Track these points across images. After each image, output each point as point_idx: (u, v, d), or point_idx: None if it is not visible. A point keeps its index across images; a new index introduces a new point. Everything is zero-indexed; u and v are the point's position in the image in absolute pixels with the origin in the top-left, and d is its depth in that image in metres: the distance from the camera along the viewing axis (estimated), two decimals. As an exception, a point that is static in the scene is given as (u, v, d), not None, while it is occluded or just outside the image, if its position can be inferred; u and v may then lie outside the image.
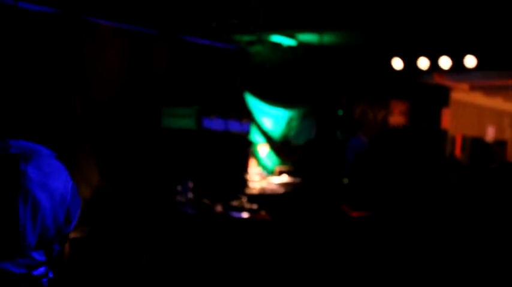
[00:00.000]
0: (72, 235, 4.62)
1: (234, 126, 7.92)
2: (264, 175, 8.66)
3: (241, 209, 6.86)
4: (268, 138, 9.46)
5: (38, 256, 1.58)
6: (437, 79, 10.79)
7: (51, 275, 1.87)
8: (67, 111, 6.62)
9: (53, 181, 1.61)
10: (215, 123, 7.73)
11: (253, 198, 7.35)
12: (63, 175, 1.67)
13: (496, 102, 13.32)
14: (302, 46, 9.58)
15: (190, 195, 6.90)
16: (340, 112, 10.53)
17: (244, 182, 7.95)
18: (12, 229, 1.50)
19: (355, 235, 7.40)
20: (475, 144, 11.35)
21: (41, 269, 1.75)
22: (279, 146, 9.53)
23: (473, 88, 11.91)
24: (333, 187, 8.58)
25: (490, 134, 12.89)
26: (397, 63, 10.23)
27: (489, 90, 12.37)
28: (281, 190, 8.00)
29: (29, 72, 6.49)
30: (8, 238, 1.51)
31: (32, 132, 5.84)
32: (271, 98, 9.58)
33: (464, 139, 11.73)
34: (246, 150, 8.29)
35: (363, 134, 8.42)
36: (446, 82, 11.15)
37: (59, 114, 6.47)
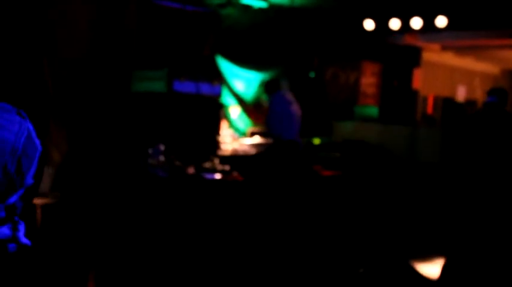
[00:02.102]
0: (44, 201, 4.56)
1: (205, 88, 7.88)
2: (236, 136, 8.68)
3: (214, 170, 6.88)
4: (240, 101, 9.46)
5: None
6: (409, 40, 10.82)
7: (25, 241, 1.87)
8: (35, 74, 6.55)
9: (3, 131, 1.66)
10: (186, 86, 7.69)
11: (225, 159, 7.36)
12: (15, 127, 1.70)
13: (467, 63, 13.40)
14: (273, 8, 9.53)
15: (161, 158, 6.89)
16: (312, 74, 10.54)
17: (216, 144, 7.95)
18: None
19: (326, 193, 7.45)
20: (447, 104, 11.45)
21: (5, 231, 1.76)
22: (250, 108, 9.53)
23: (444, 48, 11.96)
24: (305, 147, 8.63)
25: (461, 94, 13.00)
26: (369, 25, 10.24)
27: (460, 51, 12.44)
28: (253, 151, 8.02)
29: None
30: None
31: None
32: (243, 60, 9.55)
33: (436, 99, 11.82)
34: (218, 112, 8.27)
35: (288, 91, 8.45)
36: (418, 43, 11.18)
37: (27, 77, 6.40)
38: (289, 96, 8.33)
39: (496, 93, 5.85)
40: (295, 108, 8.23)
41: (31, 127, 1.79)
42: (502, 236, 5.80)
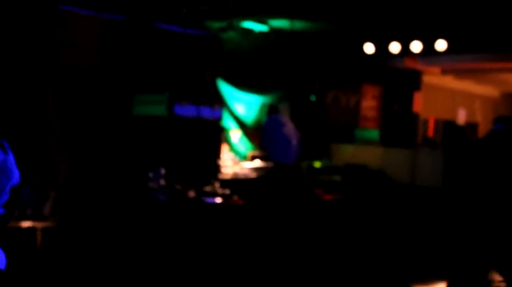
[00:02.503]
0: (44, 224, 4.56)
1: (205, 112, 7.90)
2: (237, 160, 8.67)
3: (214, 194, 6.87)
4: (241, 124, 9.46)
5: None
6: (409, 63, 10.86)
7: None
8: (37, 97, 6.57)
9: None
10: (187, 110, 7.71)
11: (225, 183, 7.36)
12: None
13: (467, 86, 13.42)
14: (274, 32, 9.57)
15: (162, 181, 6.89)
16: (313, 97, 10.56)
17: (216, 168, 7.95)
18: None
19: (327, 217, 7.44)
20: (447, 127, 11.45)
21: None
22: (251, 132, 9.53)
23: (444, 72, 11.99)
24: (305, 170, 8.62)
25: (462, 116, 13.00)
26: (369, 48, 10.28)
27: (460, 74, 12.46)
28: (254, 175, 8.02)
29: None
30: None
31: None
32: (244, 84, 9.57)
33: (437, 122, 11.82)
34: (218, 136, 8.28)
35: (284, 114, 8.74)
36: (418, 66, 11.22)
37: (29, 99, 6.42)
38: (284, 118, 8.46)
39: (503, 121, 5.79)
40: (289, 130, 8.35)
41: (10, 158, 1.84)
42: (504, 263, 5.78)
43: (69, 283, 5.57)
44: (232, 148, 9.06)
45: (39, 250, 5.50)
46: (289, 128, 8.64)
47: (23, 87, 6.49)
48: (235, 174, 8.05)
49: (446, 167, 8.81)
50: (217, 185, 7.16)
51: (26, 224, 5.37)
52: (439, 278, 6.47)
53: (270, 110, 8.44)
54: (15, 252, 2.67)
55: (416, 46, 9.89)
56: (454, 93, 13.25)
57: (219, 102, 8.43)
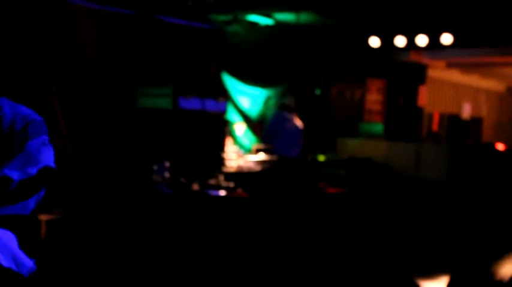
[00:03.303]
0: (48, 217, 4.60)
1: (210, 105, 7.91)
2: (241, 153, 8.68)
3: (218, 187, 6.88)
4: (246, 117, 9.47)
5: None
6: (414, 57, 10.85)
7: None
8: (41, 89, 6.59)
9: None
10: (191, 103, 7.72)
11: (230, 176, 7.37)
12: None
13: (473, 80, 13.40)
14: (279, 25, 9.57)
15: (166, 174, 6.90)
16: (318, 91, 10.56)
17: (220, 161, 7.96)
18: None
19: (331, 210, 7.45)
20: (452, 121, 11.44)
21: None
22: (256, 125, 9.54)
23: (449, 65, 11.98)
24: (310, 164, 8.64)
25: (467, 111, 12.98)
26: (374, 42, 10.27)
27: (465, 68, 12.45)
28: (258, 168, 8.02)
29: (5, 49, 6.43)
30: None
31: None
32: (249, 77, 9.57)
33: (442, 116, 11.81)
34: (223, 129, 8.29)
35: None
36: (423, 60, 11.21)
37: (33, 92, 6.44)
38: (290, 115, 8.61)
39: None
40: (293, 126, 8.50)
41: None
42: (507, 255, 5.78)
43: (74, 275, 5.59)
44: (236, 141, 9.07)
45: (44, 243, 5.52)
46: (293, 124, 8.77)
47: (27, 81, 6.53)
48: (240, 167, 8.06)
49: (452, 163, 8.82)
50: (221, 178, 7.18)
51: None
52: (442, 272, 6.48)
53: (280, 107, 8.91)
54: (21, 244, 2.69)
55: (421, 40, 9.88)
56: (459, 87, 13.23)
57: (224, 95, 8.44)
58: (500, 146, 9.50)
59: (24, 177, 2.04)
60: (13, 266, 1.94)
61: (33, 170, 2.05)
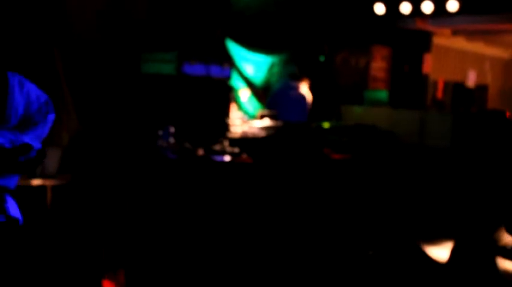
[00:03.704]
0: (53, 182, 4.61)
1: (215, 71, 7.89)
2: (246, 119, 8.68)
3: (223, 152, 6.88)
4: (250, 84, 9.46)
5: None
6: (419, 24, 10.77)
7: (14, 214, 2.02)
8: (46, 58, 6.56)
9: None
10: (196, 69, 7.70)
11: (234, 142, 7.36)
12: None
13: (478, 47, 13.31)
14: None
15: (171, 140, 6.90)
16: (322, 58, 10.51)
17: (225, 127, 7.95)
18: None
19: (336, 176, 7.46)
20: (457, 89, 11.39)
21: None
22: (260, 92, 9.53)
23: (455, 33, 11.89)
24: (314, 130, 8.63)
25: (471, 78, 12.91)
26: (379, 8, 10.20)
27: (471, 35, 12.36)
28: (263, 134, 8.02)
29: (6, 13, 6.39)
30: None
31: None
32: (253, 44, 9.53)
33: (446, 84, 11.75)
34: (227, 94, 8.27)
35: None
36: (428, 27, 11.12)
37: (38, 61, 6.41)
38: (295, 83, 8.65)
39: None
40: (297, 94, 8.56)
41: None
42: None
43: (79, 241, 5.62)
44: (241, 107, 9.07)
45: (49, 209, 5.54)
46: (299, 93, 8.81)
47: (32, 49, 6.49)
48: (244, 133, 8.05)
49: (457, 130, 8.80)
50: (226, 143, 7.17)
51: (35, 182, 5.39)
52: (447, 237, 6.50)
53: (290, 76, 9.13)
54: (26, 210, 2.69)
55: (427, 7, 9.80)
56: (464, 55, 13.15)
57: (228, 61, 8.41)
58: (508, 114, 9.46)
59: (38, 148, 2.31)
60: (20, 218, 2.19)
61: (40, 145, 2.34)
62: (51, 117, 2.43)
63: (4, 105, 2.25)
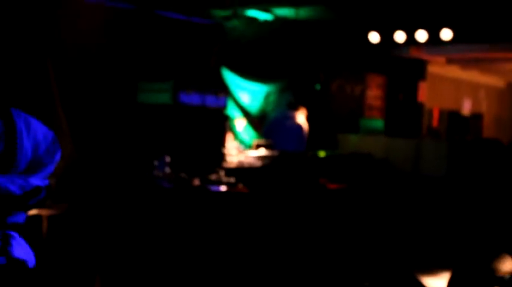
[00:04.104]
0: (49, 212, 4.59)
1: (210, 100, 7.91)
2: (242, 148, 8.68)
3: (219, 182, 6.87)
4: (246, 113, 9.47)
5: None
6: (414, 52, 10.84)
7: (18, 256, 2.00)
8: (42, 86, 6.57)
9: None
10: (192, 98, 7.71)
11: (230, 172, 7.35)
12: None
13: (472, 76, 13.39)
14: (278, 21, 9.55)
15: (167, 169, 6.89)
16: (318, 86, 10.54)
17: (221, 156, 7.95)
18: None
19: (332, 206, 7.44)
20: (452, 117, 11.44)
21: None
22: (256, 121, 9.54)
23: (449, 61, 11.97)
24: (310, 159, 8.63)
25: (467, 107, 12.98)
26: (374, 37, 10.25)
27: (465, 64, 12.43)
28: (258, 163, 8.01)
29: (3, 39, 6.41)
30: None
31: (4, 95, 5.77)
32: (248, 72, 9.56)
33: (441, 112, 11.81)
34: (223, 124, 8.28)
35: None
36: (423, 55, 11.20)
37: (33, 85, 6.41)
38: (290, 112, 8.73)
39: None
40: (293, 123, 8.64)
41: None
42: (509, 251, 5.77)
43: (75, 271, 5.58)
44: (237, 137, 9.07)
45: (45, 238, 5.51)
46: (294, 122, 8.87)
47: (27, 77, 6.49)
48: (240, 162, 8.05)
49: (452, 159, 8.81)
50: (222, 173, 7.16)
51: (31, 212, 5.37)
52: (443, 268, 6.47)
53: (287, 106, 9.26)
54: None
55: (421, 35, 9.86)
56: (459, 83, 13.23)
57: (224, 90, 8.44)
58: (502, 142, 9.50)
59: (46, 185, 2.33)
60: (27, 259, 2.19)
61: (47, 181, 2.36)
62: (59, 155, 2.45)
63: (14, 151, 2.22)
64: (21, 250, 2.13)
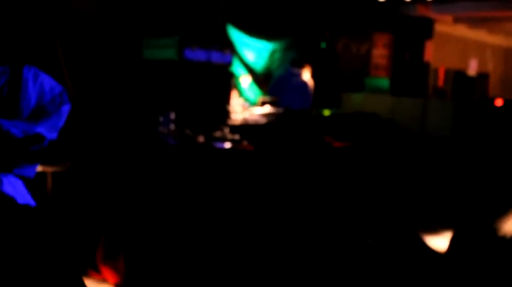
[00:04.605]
0: (54, 169, 4.64)
1: (216, 57, 7.86)
2: (246, 105, 8.67)
3: (224, 139, 6.86)
4: (251, 71, 9.43)
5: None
6: (421, 11, 10.73)
7: (7, 191, 2.05)
8: (47, 43, 6.54)
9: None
10: (197, 54, 7.67)
11: (235, 129, 7.34)
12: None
13: (480, 35, 13.27)
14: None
15: (172, 126, 6.88)
16: (323, 45, 10.47)
17: (226, 113, 7.94)
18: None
19: (337, 163, 7.45)
20: (458, 77, 11.37)
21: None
22: (261, 78, 9.51)
23: (457, 20, 11.85)
24: (315, 118, 8.62)
25: (473, 67, 12.88)
26: (381, -5, 10.16)
27: (473, 23, 12.31)
28: (263, 121, 8.00)
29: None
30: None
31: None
32: (254, 30, 9.50)
33: (447, 72, 11.73)
34: (228, 81, 8.24)
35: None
36: (430, 14, 11.08)
37: (37, 42, 6.38)
38: (296, 69, 8.67)
39: None
40: (299, 81, 8.58)
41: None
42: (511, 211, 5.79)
43: (79, 228, 5.62)
44: (241, 94, 9.05)
45: (49, 195, 5.54)
46: (300, 79, 8.83)
47: (31, 36, 6.45)
48: (245, 120, 8.04)
49: (457, 119, 8.79)
50: (226, 130, 7.15)
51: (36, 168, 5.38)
52: (446, 227, 6.50)
53: (291, 63, 9.17)
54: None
55: (429, -7, 9.77)
56: (465, 43, 13.11)
57: (229, 47, 8.38)
58: (498, 102, 9.46)
59: (52, 138, 2.38)
60: (30, 202, 2.31)
61: (55, 134, 2.41)
62: (66, 108, 2.50)
63: (17, 98, 2.29)
64: (12, 187, 2.26)
